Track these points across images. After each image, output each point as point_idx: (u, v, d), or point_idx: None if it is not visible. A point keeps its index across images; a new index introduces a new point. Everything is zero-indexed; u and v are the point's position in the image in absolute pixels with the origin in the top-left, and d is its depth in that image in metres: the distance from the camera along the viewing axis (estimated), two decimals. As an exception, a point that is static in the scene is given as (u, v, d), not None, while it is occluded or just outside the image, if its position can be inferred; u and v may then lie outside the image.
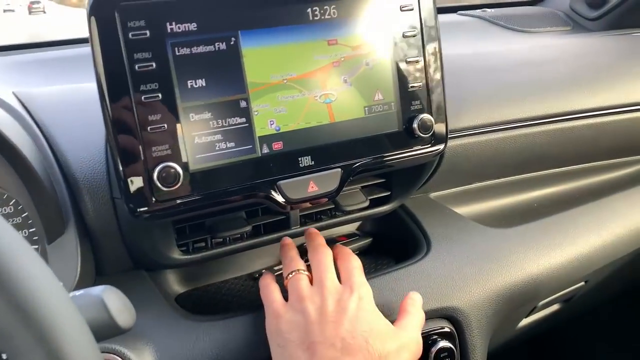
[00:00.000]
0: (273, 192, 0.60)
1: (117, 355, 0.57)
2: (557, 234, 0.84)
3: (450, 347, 0.69)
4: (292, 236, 0.77)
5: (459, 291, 0.72)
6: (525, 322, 0.97)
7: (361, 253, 0.84)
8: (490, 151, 0.82)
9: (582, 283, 0.97)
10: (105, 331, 0.41)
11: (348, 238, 0.85)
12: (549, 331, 1.39)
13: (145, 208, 0.54)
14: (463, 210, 0.90)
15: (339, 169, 0.63)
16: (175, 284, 0.75)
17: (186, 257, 0.68)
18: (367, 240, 0.85)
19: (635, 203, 0.94)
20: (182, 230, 0.69)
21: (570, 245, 0.83)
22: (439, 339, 0.69)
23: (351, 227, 0.88)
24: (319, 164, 0.62)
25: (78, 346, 0.35)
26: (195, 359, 0.60)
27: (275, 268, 0.80)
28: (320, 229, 0.79)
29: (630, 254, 0.96)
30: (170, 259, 0.67)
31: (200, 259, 0.70)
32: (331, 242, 0.82)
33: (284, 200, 0.61)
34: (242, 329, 0.63)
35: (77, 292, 0.41)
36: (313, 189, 0.63)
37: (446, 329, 0.70)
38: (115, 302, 0.42)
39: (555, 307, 1.02)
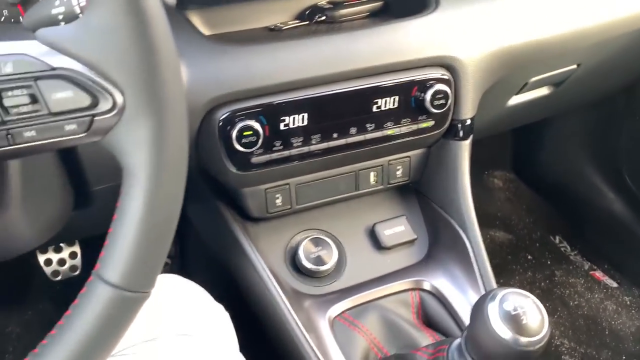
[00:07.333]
0: None
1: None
2: (560, 5, 0.88)
3: (446, 91, 0.78)
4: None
5: (459, 43, 0.79)
6: (515, 100, 1.06)
7: (371, 14, 0.89)
8: None
9: (575, 66, 1.04)
10: None
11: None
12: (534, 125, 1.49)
13: None
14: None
15: None
16: (200, 26, 0.81)
17: None
18: (379, 3, 0.89)
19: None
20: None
21: (567, 18, 0.89)
22: (435, 83, 0.77)
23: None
24: None
25: None
26: (220, 76, 0.69)
27: (290, 23, 0.86)
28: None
29: (623, 40, 1.01)
30: None
31: None
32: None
33: None
34: (262, 54, 0.71)
35: None
36: None
37: (445, 76, 0.78)
38: None
39: (545, 90, 1.10)
